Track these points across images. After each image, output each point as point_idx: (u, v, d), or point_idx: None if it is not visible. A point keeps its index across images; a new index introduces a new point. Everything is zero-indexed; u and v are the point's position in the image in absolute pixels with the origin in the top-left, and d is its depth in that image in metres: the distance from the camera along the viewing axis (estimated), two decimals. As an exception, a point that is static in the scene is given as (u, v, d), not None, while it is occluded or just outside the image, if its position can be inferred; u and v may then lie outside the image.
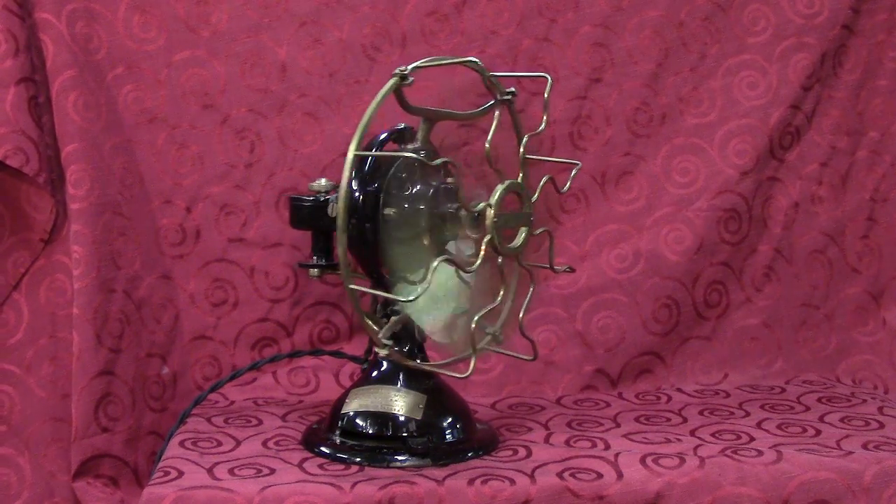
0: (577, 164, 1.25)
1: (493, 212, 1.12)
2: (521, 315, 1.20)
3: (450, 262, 1.11)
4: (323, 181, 1.25)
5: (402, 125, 1.23)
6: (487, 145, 1.13)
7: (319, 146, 1.46)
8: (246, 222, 1.45)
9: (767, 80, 1.52)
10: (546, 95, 1.22)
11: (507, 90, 1.20)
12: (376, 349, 1.16)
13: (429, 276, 1.09)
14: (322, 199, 1.23)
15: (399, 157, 1.18)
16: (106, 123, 1.38)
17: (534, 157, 1.23)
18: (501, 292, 1.18)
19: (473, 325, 1.11)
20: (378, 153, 1.18)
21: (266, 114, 1.45)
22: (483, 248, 1.12)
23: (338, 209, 1.11)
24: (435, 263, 1.09)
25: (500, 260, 1.16)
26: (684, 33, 1.52)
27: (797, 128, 1.53)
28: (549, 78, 1.22)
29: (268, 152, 1.45)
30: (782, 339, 1.53)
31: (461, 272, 1.12)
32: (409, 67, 1.13)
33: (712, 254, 1.51)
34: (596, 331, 1.49)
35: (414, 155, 1.15)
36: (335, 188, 1.25)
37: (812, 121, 1.54)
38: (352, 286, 1.12)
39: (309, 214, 1.24)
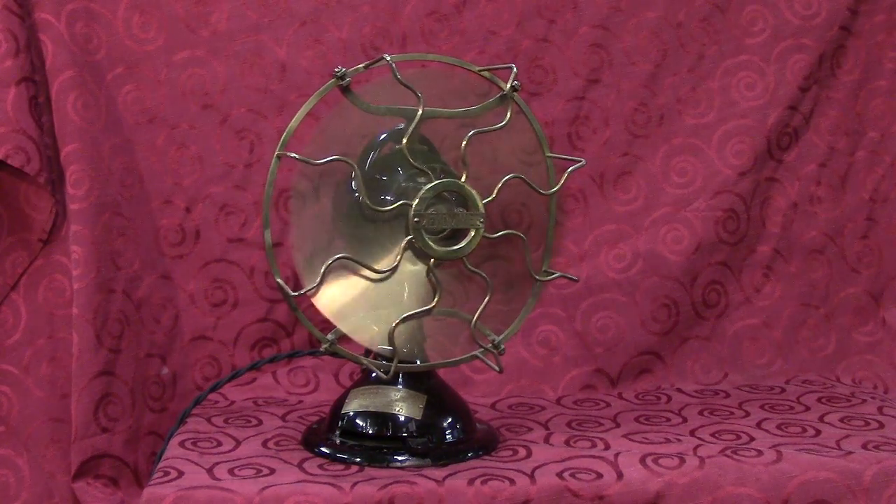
0: (581, 161, 1.23)
1: (412, 211, 1.12)
2: (473, 319, 1.17)
3: (349, 260, 1.11)
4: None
5: (402, 125, 1.22)
6: (404, 141, 1.13)
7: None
8: (246, 222, 1.45)
9: (765, 80, 1.52)
10: (509, 85, 1.19)
11: (513, 83, 1.19)
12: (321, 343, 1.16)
13: (321, 272, 1.11)
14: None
15: (327, 162, 1.17)
16: (106, 123, 1.38)
17: (550, 155, 1.22)
18: (436, 298, 1.16)
19: (393, 326, 1.13)
20: (301, 156, 1.18)
21: (266, 114, 1.45)
22: (401, 249, 1.12)
23: (264, 206, 1.12)
24: (329, 262, 1.10)
25: (431, 262, 1.15)
26: (682, 34, 1.52)
27: (795, 128, 1.54)
28: (514, 67, 1.20)
29: (268, 152, 1.45)
30: (782, 338, 1.53)
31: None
32: (348, 70, 1.15)
33: (711, 254, 1.51)
34: (595, 331, 1.49)
35: (294, 156, 1.16)
36: None
37: (810, 121, 1.54)
38: (279, 280, 1.14)
39: None
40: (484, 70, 1.20)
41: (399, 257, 1.14)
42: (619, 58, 1.52)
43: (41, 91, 1.35)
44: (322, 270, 1.10)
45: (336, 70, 1.14)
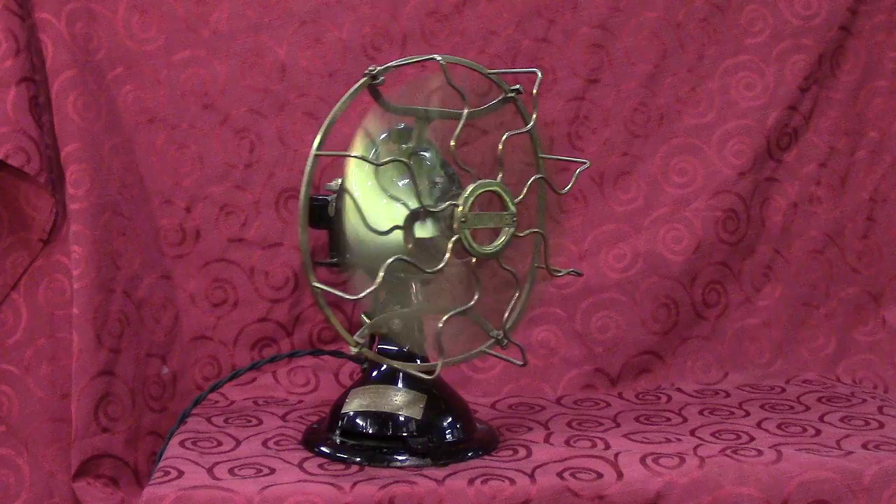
0: (586, 163, 1.24)
1: (460, 210, 1.12)
2: (505, 316, 1.19)
3: (404, 261, 1.10)
4: (340, 181, 1.24)
5: (402, 125, 1.23)
6: (453, 143, 1.12)
7: (319, 146, 1.46)
8: (246, 222, 1.45)
9: (765, 81, 1.52)
10: (535, 91, 1.20)
11: (513, 87, 1.19)
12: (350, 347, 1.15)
13: (379, 275, 1.08)
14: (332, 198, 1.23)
15: (346, 156, 1.17)
16: (106, 123, 1.38)
17: (549, 156, 1.22)
18: (476, 295, 1.16)
19: (440, 325, 1.11)
20: (332, 153, 1.18)
21: (266, 114, 1.45)
22: (450, 248, 1.12)
23: (300, 207, 1.09)
24: (386, 263, 1.08)
25: (474, 261, 1.15)
26: (682, 34, 1.52)
27: (795, 129, 1.54)
28: (539, 73, 1.20)
29: (267, 152, 1.45)
30: (782, 338, 1.53)
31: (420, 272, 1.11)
32: (379, 68, 1.12)
33: (710, 254, 1.51)
34: (595, 330, 1.49)
35: (357, 156, 1.14)
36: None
37: (810, 122, 1.54)
38: (315, 284, 1.11)
39: (325, 214, 1.24)
40: (494, 72, 1.20)
41: (448, 257, 1.13)
42: (618, 58, 1.52)
43: (41, 91, 1.35)
44: (381, 272, 1.08)
45: (369, 68, 1.12)
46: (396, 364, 1.18)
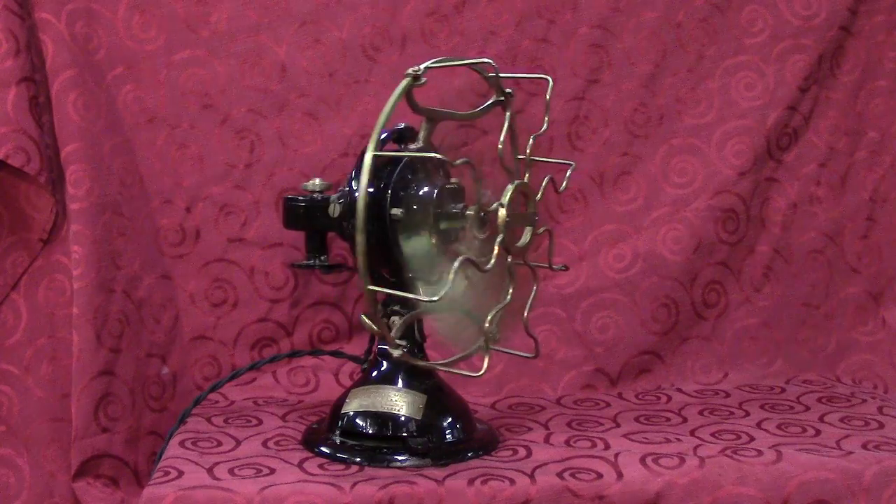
0: (571, 165, 1.25)
1: (504, 211, 1.12)
2: (525, 314, 1.20)
3: (469, 262, 1.11)
4: (317, 181, 1.26)
5: (403, 125, 1.23)
6: (500, 146, 1.14)
7: (319, 146, 1.46)
8: (246, 222, 1.45)
9: (765, 81, 1.52)
10: (548, 97, 1.21)
11: (506, 90, 1.20)
12: (390, 350, 1.15)
13: (449, 277, 1.08)
14: (319, 198, 1.23)
15: (421, 157, 1.18)
16: (106, 123, 1.38)
17: (535, 158, 1.23)
18: (511, 291, 1.18)
19: (487, 325, 1.12)
20: (397, 153, 1.18)
21: (266, 114, 1.45)
22: (497, 247, 1.12)
23: (357, 210, 1.08)
24: (456, 264, 1.08)
25: (509, 259, 1.16)
26: (682, 34, 1.52)
27: (795, 129, 1.54)
28: (551, 80, 1.22)
29: (268, 152, 1.45)
30: (782, 338, 1.53)
31: (470, 272, 1.12)
32: (422, 67, 1.12)
33: (710, 254, 1.51)
34: (595, 330, 1.49)
35: (437, 155, 1.14)
36: (330, 188, 1.25)
37: (810, 122, 1.54)
38: (370, 287, 1.11)
39: (305, 215, 1.24)
40: (507, 76, 1.22)
41: (496, 255, 1.13)
42: (618, 58, 1.52)
43: (41, 91, 1.35)
44: (453, 272, 1.08)
45: (412, 69, 1.12)
46: (440, 365, 1.19)
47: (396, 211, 1.16)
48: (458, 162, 1.12)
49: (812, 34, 1.52)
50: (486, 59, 1.18)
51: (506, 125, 1.15)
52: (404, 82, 1.11)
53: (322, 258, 1.27)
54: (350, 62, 1.47)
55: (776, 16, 1.53)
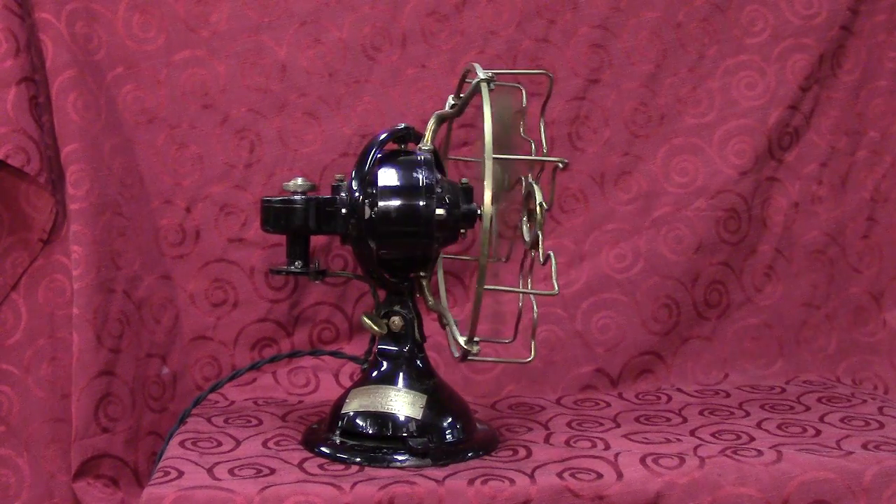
0: (551, 160, 1.23)
1: (538, 202, 1.12)
2: (534, 317, 1.19)
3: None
4: (299, 180, 1.21)
5: (403, 125, 1.23)
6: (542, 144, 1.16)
7: (319, 146, 1.46)
8: (246, 222, 1.45)
9: (766, 80, 1.52)
10: (547, 96, 1.20)
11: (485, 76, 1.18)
12: (467, 348, 1.11)
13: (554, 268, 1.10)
14: (300, 199, 1.20)
15: (538, 160, 1.17)
16: (105, 123, 1.38)
17: (513, 156, 1.22)
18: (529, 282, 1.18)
19: (536, 313, 1.13)
20: (517, 157, 1.17)
21: (266, 114, 1.45)
22: (541, 238, 1.11)
23: (483, 216, 1.05)
24: (553, 261, 1.10)
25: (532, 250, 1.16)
26: (682, 34, 1.52)
27: (796, 128, 1.54)
28: (551, 76, 1.21)
29: (268, 152, 1.45)
30: (782, 338, 1.53)
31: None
32: (491, 73, 1.10)
33: (712, 253, 1.51)
34: (596, 331, 1.49)
35: (555, 159, 1.12)
36: (314, 188, 1.22)
37: (811, 121, 1.54)
38: (486, 286, 1.08)
39: (281, 217, 1.21)
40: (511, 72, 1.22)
41: (542, 245, 1.13)
42: (619, 58, 1.52)
43: (41, 91, 1.35)
44: (554, 269, 1.10)
45: (485, 75, 1.09)
46: (493, 359, 1.21)
47: (441, 212, 1.15)
48: (562, 164, 1.11)
49: (813, 33, 1.52)
50: (543, 70, 1.17)
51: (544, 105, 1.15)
52: (484, 87, 1.09)
53: (298, 264, 1.22)
54: (350, 62, 1.47)
55: (777, 15, 1.53)
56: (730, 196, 1.51)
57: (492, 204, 1.06)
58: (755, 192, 1.52)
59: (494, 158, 1.05)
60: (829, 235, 1.55)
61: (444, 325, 1.20)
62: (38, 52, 1.35)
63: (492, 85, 1.09)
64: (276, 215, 1.21)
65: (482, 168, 1.05)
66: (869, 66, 1.55)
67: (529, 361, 1.16)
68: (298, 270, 1.22)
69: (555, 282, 1.11)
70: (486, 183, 1.05)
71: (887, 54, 1.55)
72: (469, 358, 1.12)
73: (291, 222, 1.21)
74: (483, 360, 1.21)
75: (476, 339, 1.10)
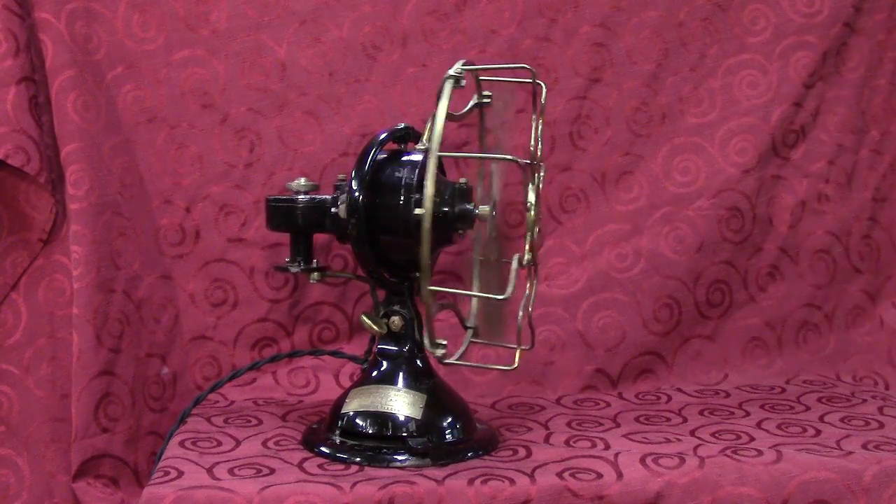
0: (501, 158, 1.23)
1: (533, 208, 1.12)
2: (521, 313, 1.20)
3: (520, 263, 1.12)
4: (302, 180, 1.24)
5: (403, 125, 1.23)
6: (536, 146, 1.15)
7: (319, 146, 1.46)
8: (246, 222, 1.45)
9: (768, 79, 1.52)
10: (542, 101, 1.19)
11: (485, 93, 1.20)
12: (432, 351, 1.13)
13: (512, 278, 1.10)
14: (303, 199, 1.22)
15: (489, 158, 1.18)
16: (105, 123, 1.38)
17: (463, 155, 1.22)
18: (533, 282, 1.19)
19: (520, 318, 1.13)
20: (464, 155, 1.18)
21: (266, 113, 1.45)
22: (528, 242, 1.13)
23: (424, 214, 1.07)
24: (514, 265, 1.10)
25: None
26: (684, 33, 1.52)
27: (802, 126, 1.53)
28: (544, 86, 1.20)
29: (268, 152, 1.45)
30: (783, 338, 1.53)
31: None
32: (462, 69, 1.12)
33: (714, 253, 1.51)
34: (596, 330, 1.49)
35: (509, 157, 1.12)
36: (316, 188, 1.24)
37: (817, 118, 1.54)
38: (430, 287, 1.09)
39: (286, 216, 1.24)
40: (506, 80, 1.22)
41: (528, 250, 1.14)
42: (620, 57, 1.51)
43: (41, 91, 1.35)
44: (514, 269, 1.09)
45: (454, 71, 1.11)
46: (476, 365, 1.21)
47: (419, 211, 1.15)
48: (523, 162, 1.12)
49: (815, 31, 1.52)
50: (524, 66, 1.17)
51: (536, 128, 1.15)
52: (449, 84, 1.10)
53: (301, 261, 1.25)
54: (350, 61, 1.47)
55: (778, 14, 1.52)
56: (732, 195, 1.51)
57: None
58: (759, 190, 1.52)
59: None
60: (833, 235, 1.54)
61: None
62: (37, 52, 1.35)
63: (462, 83, 1.11)
64: (281, 214, 1.24)
65: (426, 166, 1.07)
66: (871, 63, 1.55)
67: (513, 369, 1.15)
68: (301, 268, 1.25)
69: (510, 285, 1.11)
70: (427, 182, 1.06)
71: (887, 53, 1.55)
72: (447, 361, 1.14)
73: (295, 221, 1.24)
74: (462, 364, 1.20)
75: (440, 341, 1.12)
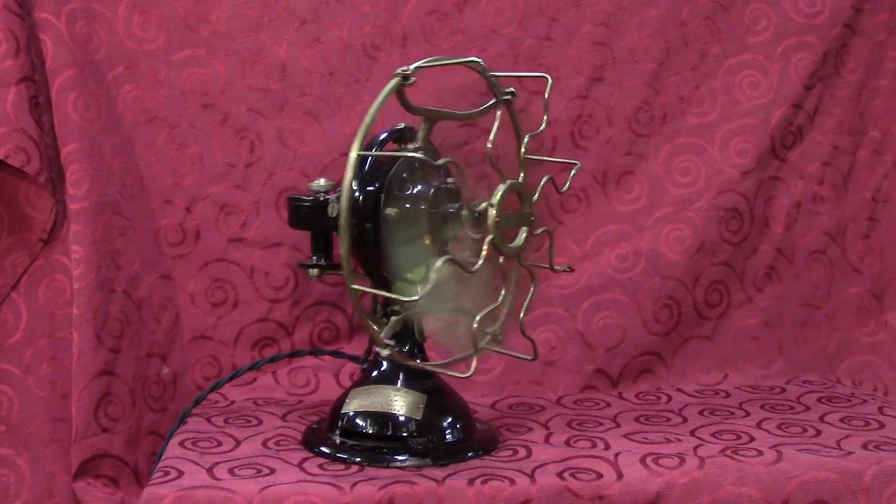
0: (577, 164, 1.25)
1: (494, 211, 1.12)
2: (521, 315, 1.20)
3: (452, 262, 1.11)
4: (322, 181, 1.25)
5: (402, 125, 1.23)
6: (489, 145, 1.13)
7: (319, 146, 1.46)
8: (246, 222, 1.45)
9: (769, 79, 1.52)
10: (546, 96, 1.21)
11: (507, 90, 1.20)
12: (377, 349, 1.15)
13: (431, 277, 1.08)
14: (322, 198, 1.23)
15: (400, 156, 1.18)
16: (106, 123, 1.38)
17: (533, 157, 1.23)
18: (503, 292, 1.18)
19: (475, 326, 1.11)
20: (379, 153, 1.18)
21: (266, 113, 1.45)
22: (485, 247, 1.12)
23: (340, 209, 1.10)
24: (438, 263, 1.08)
25: (500, 260, 1.16)
26: (685, 32, 1.52)
27: (799, 127, 1.53)
28: (550, 78, 1.22)
29: (268, 152, 1.45)
30: (783, 339, 1.53)
31: (462, 272, 1.11)
32: (411, 67, 1.12)
33: (713, 253, 1.51)
34: (596, 331, 1.48)
35: (416, 155, 1.14)
36: (334, 188, 1.25)
37: (814, 120, 1.54)
38: (353, 286, 1.11)
39: (308, 214, 1.24)
40: (507, 75, 1.21)
41: (484, 256, 1.12)
42: (621, 56, 1.51)
43: (41, 91, 1.35)
44: (433, 271, 1.08)
45: (401, 69, 1.11)
46: (430, 367, 1.19)
47: (390, 210, 1.16)
48: (439, 162, 1.12)
49: (816, 32, 1.52)
50: (475, 59, 1.18)
51: (496, 125, 1.14)
52: (393, 82, 1.11)
53: (320, 257, 1.26)
54: (350, 61, 1.47)
55: (780, 14, 1.52)
56: (732, 196, 1.51)
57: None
58: (758, 191, 1.52)
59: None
60: (829, 235, 1.54)
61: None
62: (38, 52, 1.35)
63: (411, 80, 1.11)
64: (305, 212, 1.25)
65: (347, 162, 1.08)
66: (871, 65, 1.54)
67: (467, 376, 1.14)
68: (326, 265, 1.26)
69: (419, 289, 1.11)
70: (345, 182, 1.08)
71: (888, 53, 1.54)
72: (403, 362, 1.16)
73: (321, 219, 1.24)
74: (428, 368, 1.20)
75: (388, 342, 1.13)
